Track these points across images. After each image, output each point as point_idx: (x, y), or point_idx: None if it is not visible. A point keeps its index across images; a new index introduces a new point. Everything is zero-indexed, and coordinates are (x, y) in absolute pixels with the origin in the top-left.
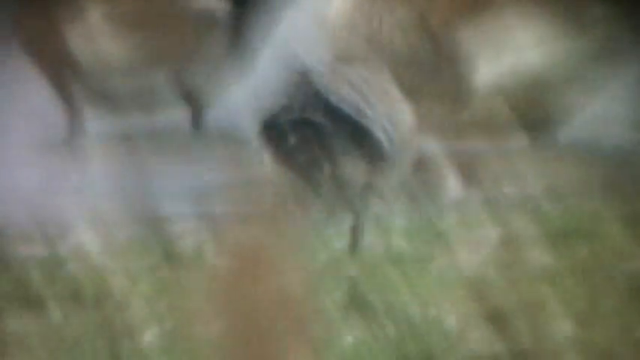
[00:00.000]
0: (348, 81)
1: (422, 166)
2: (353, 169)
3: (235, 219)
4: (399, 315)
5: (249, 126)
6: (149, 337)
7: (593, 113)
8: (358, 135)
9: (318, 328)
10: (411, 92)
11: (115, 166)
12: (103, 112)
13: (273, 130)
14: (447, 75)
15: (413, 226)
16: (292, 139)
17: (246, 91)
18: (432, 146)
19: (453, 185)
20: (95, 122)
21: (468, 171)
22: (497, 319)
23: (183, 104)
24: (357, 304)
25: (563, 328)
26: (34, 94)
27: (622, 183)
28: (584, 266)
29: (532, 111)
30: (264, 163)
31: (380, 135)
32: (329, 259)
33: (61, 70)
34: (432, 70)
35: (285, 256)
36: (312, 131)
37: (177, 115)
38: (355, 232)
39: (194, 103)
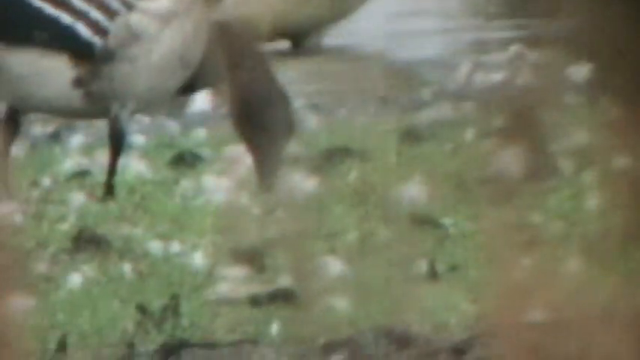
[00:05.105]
0: None
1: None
2: (53, 60)
3: None
4: (136, 251)
5: None
6: None
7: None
8: (53, 26)
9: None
10: None
11: None
12: None
13: None
14: None
15: (153, 145)
16: None
17: None
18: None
19: (200, 97)
20: None
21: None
22: (252, 255)
23: None
24: (87, 237)
25: (330, 264)
26: None
27: (397, 94)
28: (354, 191)
29: (293, 12)
30: None
31: (80, 28)
32: (52, 183)
33: None
34: None
35: None
36: None
37: None
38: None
39: None
